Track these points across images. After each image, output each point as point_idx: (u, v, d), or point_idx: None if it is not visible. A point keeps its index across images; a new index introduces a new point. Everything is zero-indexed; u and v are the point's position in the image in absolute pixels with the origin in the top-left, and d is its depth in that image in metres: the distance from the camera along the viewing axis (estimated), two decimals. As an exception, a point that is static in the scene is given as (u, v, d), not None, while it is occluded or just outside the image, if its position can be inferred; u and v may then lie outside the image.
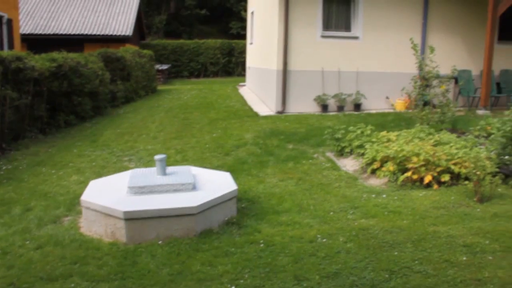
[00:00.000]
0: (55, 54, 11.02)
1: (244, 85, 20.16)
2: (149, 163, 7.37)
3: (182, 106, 14.18)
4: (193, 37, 34.71)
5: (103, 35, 23.25)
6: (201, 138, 9.35)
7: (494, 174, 5.62)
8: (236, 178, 5.92)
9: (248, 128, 10.05)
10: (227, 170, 6.35)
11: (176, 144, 8.98)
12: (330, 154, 7.85)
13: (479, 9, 12.75)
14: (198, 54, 29.09)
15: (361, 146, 7.28)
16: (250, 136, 9.20)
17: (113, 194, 4.80)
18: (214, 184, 5.14)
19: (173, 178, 5.00)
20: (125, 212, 4.33)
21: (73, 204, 5.55)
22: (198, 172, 5.64)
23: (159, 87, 20.90)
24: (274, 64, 11.93)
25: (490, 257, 3.89)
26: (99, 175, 6.70)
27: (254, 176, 6.77)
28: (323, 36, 12.08)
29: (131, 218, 4.35)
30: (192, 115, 12.27)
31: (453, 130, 8.65)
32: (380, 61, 12.49)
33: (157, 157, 5.18)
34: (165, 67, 25.76)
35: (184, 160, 7.69)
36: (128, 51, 16.83)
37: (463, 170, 5.94)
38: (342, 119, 10.61)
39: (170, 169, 5.35)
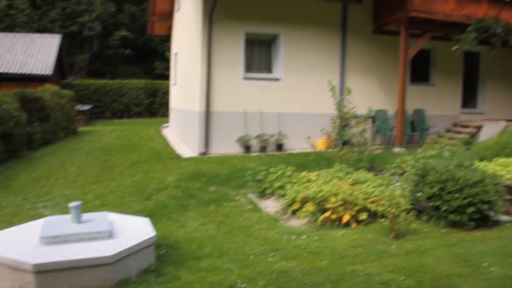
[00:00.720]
0: (-35, 95, 10.50)
1: (168, 126, 20.03)
2: (66, 210, 7.05)
3: (103, 148, 13.83)
4: (116, 77, 34.28)
5: (20, 74, 22.46)
6: (122, 182, 9.12)
7: (408, 211, 5.85)
8: (156, 223, 5.80)
9: (171, 170, 9.93)
10: (147, 215, 6.22)
11: (95, 188, 8.70)
12: (252, 196, 7.88)
13: (392, 53, 13.49)
14: (121, 94, 28.70)
15: (282, 187, 7.37)
16: (172, 179, 9.08)
17: (22, 245, 4.54)
18: (132, 231, 4.99)
19: (89, 226, 4.81)
20: (35, 265, 4.10)
21: (-21, 257, 5.19)
22: (116, 218, 5.47)
23: (80, 129, 20.31)
24: (197, 105, 11.95)
25: (405, 294, 4.00)
26: (9, 224, 6.32)
27: (174, 220, 6.65)
28: (245, 78, 12.28)
29: (42, 271, 4.12)
30: (113, 157, 11.98)
31: (371, 168, 8.97)
32: (301, 101, 12.84)
33: (71, 204, 4.97)
34: (86, 107, 25.16)
35: (103, 206, 7.45)
36: (47, 91, 16.32)
37: (380, 208, 6.14)
38: (265, 160, 10.73)
39: (86, 216, 5.15)
